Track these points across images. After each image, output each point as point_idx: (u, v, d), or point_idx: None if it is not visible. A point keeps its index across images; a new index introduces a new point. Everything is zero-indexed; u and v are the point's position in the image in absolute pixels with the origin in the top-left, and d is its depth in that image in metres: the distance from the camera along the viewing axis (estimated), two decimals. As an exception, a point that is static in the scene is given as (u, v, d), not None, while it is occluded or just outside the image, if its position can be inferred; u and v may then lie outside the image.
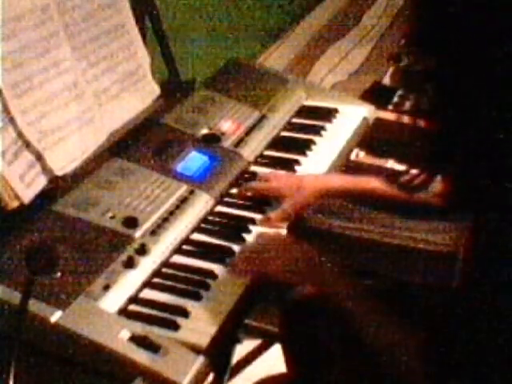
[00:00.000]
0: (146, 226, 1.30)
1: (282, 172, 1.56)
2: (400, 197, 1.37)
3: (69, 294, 1.12)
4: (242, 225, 1.39)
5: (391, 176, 1.41)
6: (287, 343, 1.53)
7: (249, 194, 1.46)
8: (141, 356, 1.05)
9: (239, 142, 1.60)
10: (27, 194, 1.27)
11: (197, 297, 1.20)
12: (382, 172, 2.06)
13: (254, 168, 1.58)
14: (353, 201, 1.56)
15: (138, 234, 1.28)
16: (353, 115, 1.81)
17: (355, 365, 1.19)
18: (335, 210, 2.02)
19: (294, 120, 1.78)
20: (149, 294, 1.21)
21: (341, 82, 2.41)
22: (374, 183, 1.43)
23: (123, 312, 1.16)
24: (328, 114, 1.79)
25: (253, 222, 1.40)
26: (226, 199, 1.47)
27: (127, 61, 1.56)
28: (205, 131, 1.60)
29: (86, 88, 1.44)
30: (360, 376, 1.19)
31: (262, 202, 1.46)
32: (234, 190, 1.49)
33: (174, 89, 1.71)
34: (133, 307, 1.18)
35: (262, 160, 1.61)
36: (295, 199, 1.43)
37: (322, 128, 1.74)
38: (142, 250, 1.25)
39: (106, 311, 1.13)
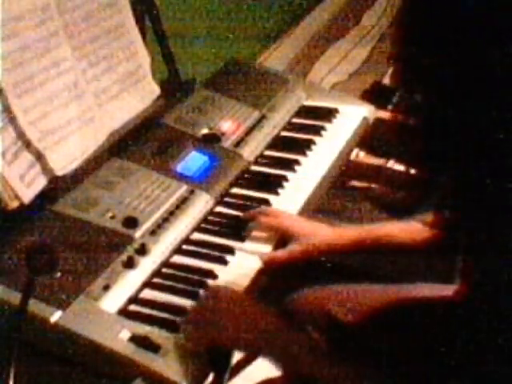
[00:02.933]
0: (146, 225, 1.30)
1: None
2: (412, 242, 1.33)
3: (69, 294, 1.12)
4: (242, 225, 1.39)
5: (377, 198, 1.37)
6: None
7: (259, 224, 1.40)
8: (141, 356, 1.05)
9: (239, 142, 1.60)
10: (27, 194, 1.28)
11: (197, 297, 1.20)
12: (382, 172, 2.06)
13: (254, 168, 1.58)
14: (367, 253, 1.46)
15: (138, 234, 1.28)
16: (353, 115, 1.81)
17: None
18: (335, 210, 2.02)
19: (294, 120, 1.78)
20: (149, 294, 1.21)
21: (341, 82, 2.41)
22: (386, 229, 1.37)
23: (123, 312, 1.16)
24: (328, 114, 1.79)
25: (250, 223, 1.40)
26: (226, 199, 1.47)
27: (127, 61, 1.56)
28: (205, 131, 1.60)
29: (86, 88, 1.44)
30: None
31: (263, 201, 1.46)
32: (234, 190, 1.49)
33: (173, 89, 1.71)
34: (133, 307, 1.18)
35: (262, 160, 1.61)
36: (307, 244, 1.35)
37: (322, 128, 1.74)
38: (142, 250, 1.25)
39: (106, 311, 1.13)
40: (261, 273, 1.31)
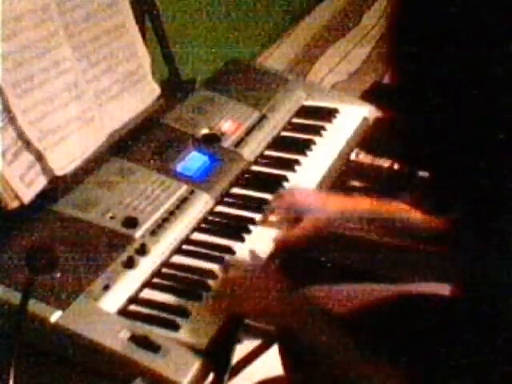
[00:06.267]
0: (146, 226, 1.30)
1: (305, 188, 1.49)
2: (423, 222, 1.31)
3: (69, 294, 1.12)
4: (242, 225, 1.39)
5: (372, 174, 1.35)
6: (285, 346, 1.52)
7: (276, 213, 1.42)
8: (141, 356, 1.05)
9: (239, 142, 1.60)
10: (27, 194, 1.27)
11: (197, 297, 1.20)
12: (382, 172, 2.06)
13: (254, 168, 1.58)
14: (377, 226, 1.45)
15: (138, 233, 1.28)
16: (353, 115, 1.81)
17: None
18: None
19: (294, 120, 1.78)
20: (149, 293, 1.21)
21: (341, 81, 2.41)
22: (398, 205, 1.36)
23: (123, 312, 1.16)
24: (328, 114, 1.79)
25: (253, 222, 1.40)
26: (226, 199, 1.47)
27: (127, 61, 1.56)
28: (205, 131, 1.60)
29: (86, 88, 1.44)
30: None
31: (263, 201, 1.46)
32: (234, 190, 1.49)
33: (173, 89, 1.71)
34: (133, 307, 1.18)
35: (262, 160, 1.61)
36: (318, 217, 1.36)
37: (322, 128, 1.74)
38: (142, 250, 1.25)
39: (105, 311, 1.13)
40: (274, 256, 1.32)
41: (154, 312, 1.16)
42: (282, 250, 1.35)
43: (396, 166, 1.99)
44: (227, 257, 1.30)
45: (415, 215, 1.34)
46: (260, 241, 1.37)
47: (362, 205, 1.39)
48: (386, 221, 1.37)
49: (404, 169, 0.99)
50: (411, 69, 0.93)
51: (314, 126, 1.75)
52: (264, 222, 1.41)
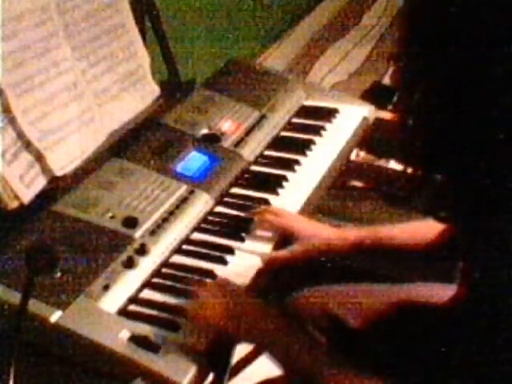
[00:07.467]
0: (146, 226, 1.30)
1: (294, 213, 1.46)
2: (413, 243, 1.33)
3: (69, 294, 1.12)
4: (242, 225, 1.39)
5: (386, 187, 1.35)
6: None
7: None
8: (141, 356, 1.05)
9: (239, 142, 1.60)
10: (27, 194, 1.28)
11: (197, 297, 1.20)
12: (382, 172, 2.06)
13: (253, 168, 1.58)
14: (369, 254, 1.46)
15: (138, 234, 1.28)
16: (353, 115, 1.81)
17: None
18: (335, 210, 2.02)
19: (294, 120, 1.78)
20: (149, 294, 1.21)
21: (341, 82, 2.42)
22: (387, 231, 1.37)
23: (123, 312, 1.16)
24: (328, 114, 1.79)
25: (253, 222, 1.40)
26: (226, 199, 1.46)
27: (127, 61, 1.56)
28: (205, 131, 1.60)
29: (86, 88, 1.44)
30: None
31: (262, 202, 1.46)
32: (234, 190, 1.49)
33: (173, 89, 1.71)
34: (133, 307, 1.18)
35: (261, 160, 1.61)
36: (308, 245, 1.36)
37: (322, 128, 1.74)
38: (142, 250, 1.25)
39: (105, 311, 1.13)
40: (260, 273, 1.31)
41: (154, 312, 1.16)
42: (270, 270, 1.34)
43: (398, 167, 1.99)
44: (227, 257, 1.31)
45: (404, 238, 1.34)
46: (260, 241, 1.37)
47: (351, 236, 1.37)
48: (375, 250, 1.37)
49: (415, 171, 0.99)
50: (412, 68, 0.93)
51: (313, 125, 1.75)
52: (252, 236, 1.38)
